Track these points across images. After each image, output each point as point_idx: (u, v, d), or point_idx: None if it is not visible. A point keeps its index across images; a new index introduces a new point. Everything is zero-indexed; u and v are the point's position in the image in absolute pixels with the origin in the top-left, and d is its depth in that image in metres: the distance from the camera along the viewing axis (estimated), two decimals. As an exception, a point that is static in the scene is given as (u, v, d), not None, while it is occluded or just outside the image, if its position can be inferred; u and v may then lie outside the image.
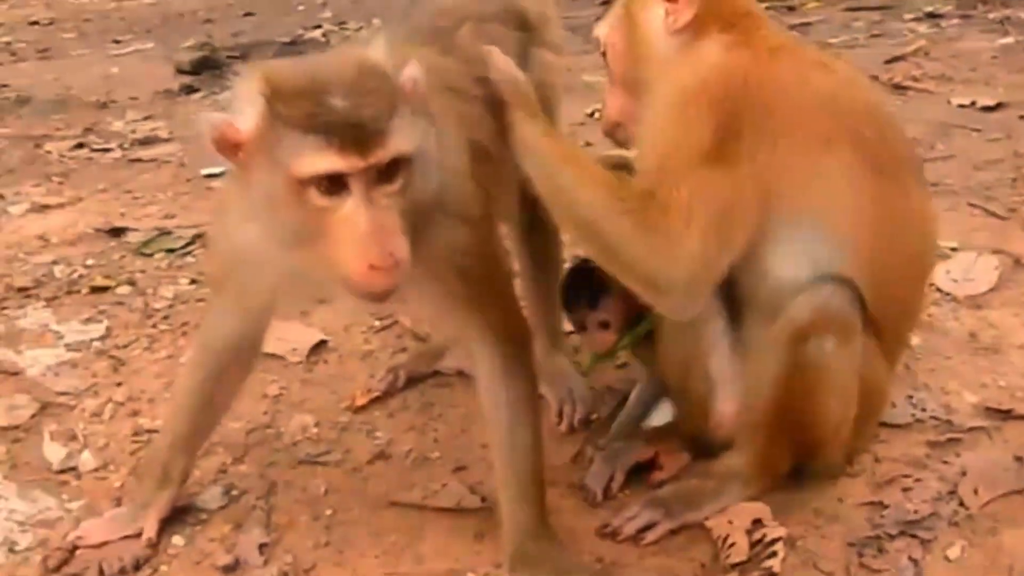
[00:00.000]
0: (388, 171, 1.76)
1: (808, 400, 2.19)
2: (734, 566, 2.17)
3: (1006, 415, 2.59)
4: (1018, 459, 2.38)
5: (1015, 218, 3.68)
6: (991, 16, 6.65)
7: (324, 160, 1.71)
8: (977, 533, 2.23)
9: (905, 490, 2.36)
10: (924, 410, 2.63)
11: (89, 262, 4.06)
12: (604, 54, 2.37)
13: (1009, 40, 6.09)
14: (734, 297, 2.27)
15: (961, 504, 2.29)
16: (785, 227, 2.14)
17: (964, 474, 2.37)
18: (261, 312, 2.24)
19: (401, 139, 1.75)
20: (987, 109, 4.93)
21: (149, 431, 2.86)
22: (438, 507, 2.46)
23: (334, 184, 1.74)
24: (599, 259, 2.18)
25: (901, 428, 2.58)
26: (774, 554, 2.18)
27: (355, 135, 1.71)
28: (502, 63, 2.17)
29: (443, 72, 2.09)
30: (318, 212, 1.75)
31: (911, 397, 2.66)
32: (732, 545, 2.21)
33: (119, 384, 3.12)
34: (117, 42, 8.91)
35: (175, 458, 2.42)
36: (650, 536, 2.28)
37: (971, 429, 2.55)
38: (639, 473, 2.49)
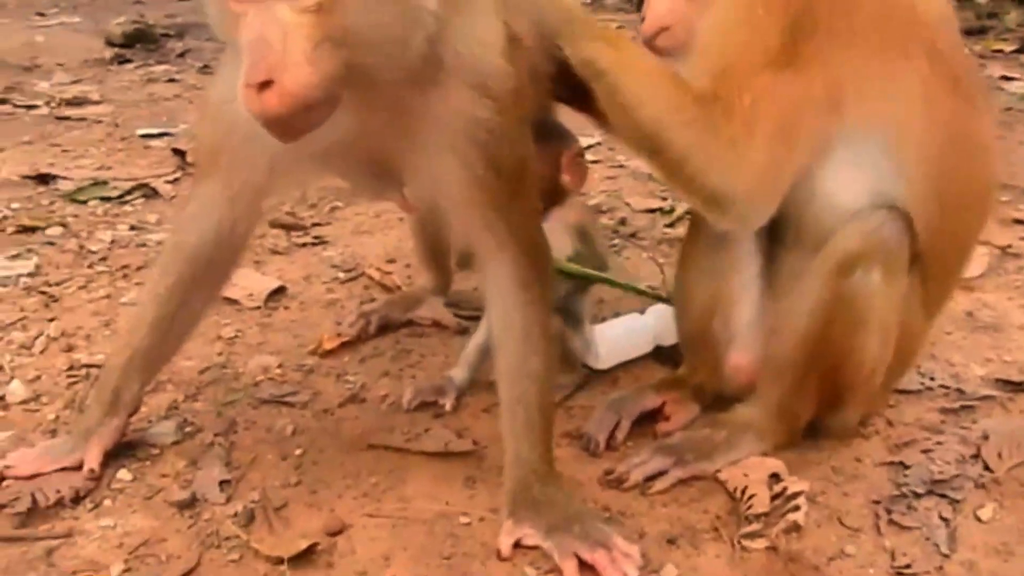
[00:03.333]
0: None
1: (847, 338, 2.02)
2: (755, 517, 1.98)
3: (1017, 387, 2.48)
4: (1040, 425, 2.26)
5: (992, 215, 3.63)
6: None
7: None
8: (1006, 496, 2.09)
9: (926, 451, 2.21)
10: (933, 379, 2.51)
11: (14, 205, 3.72)
12: None
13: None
14: (773, 230, 2.10)
15: (986, 468, 2.16)
16: (849, 142, 1.97)
17: (986, 438, 2.24)
18: (252, 197, 1.96)
19: None
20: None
21: (87, 366, 2.56)
22: (422, 451, 2.21)
23: None
24: (664, 177, 1.99)
25: (912, 394, 2.44)
26: (797, 508, 1.99)
27: None
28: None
29: None
30: (236, 21, 1.57)
31: (918, 367, 2.53)
32: (752, 496, 2.03)
33: (51, 320, 2.80)
34: (41, 15, 8.44)
35: (129, 380, 2.12)
36: (659, 484, 2.08)
37: (984, 398, 2.43)
38: (643, 423, 2.29)
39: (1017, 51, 6.49)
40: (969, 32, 6.86)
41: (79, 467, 2.09)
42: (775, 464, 2.13)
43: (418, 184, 1.89)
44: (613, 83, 1.93)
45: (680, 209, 3.55)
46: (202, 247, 2.02)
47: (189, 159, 4.23)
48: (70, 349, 2.65)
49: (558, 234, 2.34)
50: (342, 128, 1.73)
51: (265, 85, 1.52)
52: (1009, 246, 3.32)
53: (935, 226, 2.02)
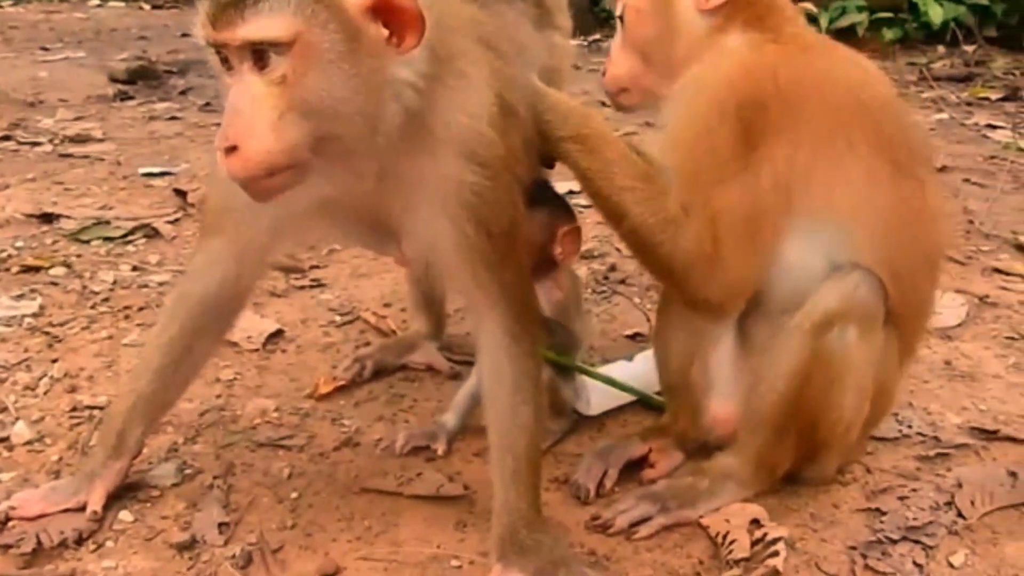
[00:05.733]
0: (260, 55, 1.65)
1: (825, 394, 2.11)
2: (736, 562, 2.05)
3: (991, 435, 2.56)
4: (1012, 474, 2.33)
5: (973, 264, 3.74)
6: (924, 96, 6.89)
7: (198, 26, 1.70)
8: (978, 543, 2.16)
9: (901, 498, 2.29)
10: (910, 427, 2.59)
11: (19, 244, 3.80)
12: (621, 17, 2.30)
13: (944, 116, 6.31)
14: None
15: (959, 515, 2.23)
16: (805, 223, 2.08)
17: (960, 486, 2.32)
18: (256, 254, 2.06)
19: (268, 23, 1.63)
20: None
21: (90, 407, 2.63)
22: (415, 494, 2.28)
23: (225, 61, 1.70)
24: (646, 269, 2.25)
25: (889, 441, 2.53)
26: (776, 553, 2.07)
27: (217, 6, 1.66)
28: (555, 96, 2.11)
29: (481, 26, 1.98)
30: (226, 90, 1.72)
31: (896, 414, 2.61)
32: (733, 542, 2.10)
33: (55, 360, 2.88)
34: (45, 49, 8.59)
35: (133, 424, 2.20)
36: (643, 531, 2.16)
37: (959, 446, 2.51)
38: (629, 470, 2.36)
39: (1003, 99, 6.62)
40: (957, 79, 7.01)
41: (82, 508, 2.15)
42: (756, 510, 2.20)
43: (412, 242, 1.98)
44: (593, 188, 2.10)
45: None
46: (207, 297, 2.11)
47: (190, 200, 4.34)
48: (73, 390, 2.72)
49: None
50: (334, 190, 1.83)
51: (231, 150, 1.65)
52: (987, 296, 3.42)
53: (898, 287, 2.12)
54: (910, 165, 2.16)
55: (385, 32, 1.72)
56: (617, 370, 2.69)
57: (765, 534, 2.12)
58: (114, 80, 7.07)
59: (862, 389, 2.14)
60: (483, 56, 1.93)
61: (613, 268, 3.65)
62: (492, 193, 1.88)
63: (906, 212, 2.14)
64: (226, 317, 2.20)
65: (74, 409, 2.62)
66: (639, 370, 2.68)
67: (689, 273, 2.07)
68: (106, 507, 2.17)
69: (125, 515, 2.19)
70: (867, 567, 2.07)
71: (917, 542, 2.14)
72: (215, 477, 2.33)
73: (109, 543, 2.11)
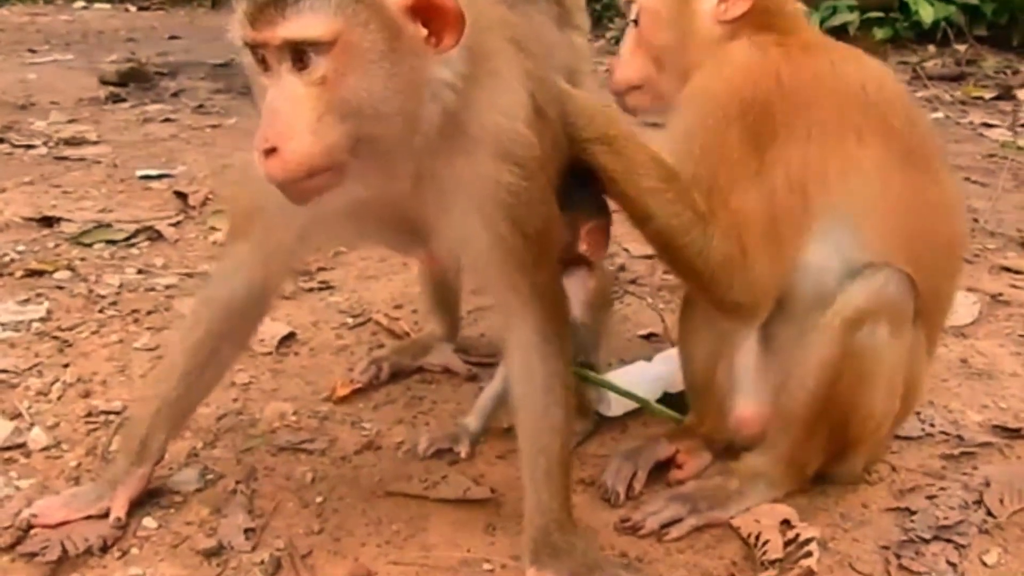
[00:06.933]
0: (299, 55, 1.62)
1: (855, 392, 2.10)
2: (771, 563, 2.04)
3: (1014, 433, 2.56)
4: (1039, 472, 2.34)
5: (981, 262, 3.75)
6: (918, 95, 6.92)
7: (236, 25, 1.66)
8: (1010, 541, 2.16)
9: (930, 498, 2.28)
10: (933, 425, 2.59)
11: (20, 248, 3.75)
12: (636, 20, 2.29)
13: (939, 115, 6.34)
14: None
15: (989, 514, 2.23)
16: (825, 221, 2.08)
17: (988, 484, 2.31)
18: (284, 257, 2.03)
19: (309, 22, 1.60)
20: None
21: (105, 412, 2.59)
22: (441, 498, 2.26)
23: (262, 62, 1.66)
24: (675, 273, 2.22)
25: (914, 440, 2.52)
26: (809, 554, 2.05)
27: (256, 6, 1.62)
28: (582, 98, 2.09)
29: (512, 26, 1.96)
30: (262, 91, 1.69)
31: (918, 413, 2.61)
32: (767, 543, 2.09)
33: (66, 365, 2.83)
34: (33, 51, 8.52)
35: (156, 430, 2.16)
36: (674, 532, 2.14)
37: (982, 444, 2.51)
38: (657, 471, 2.35)
39: (996, 98, 6.66)
40: (949, 79, 7.04)
41: (105, 515, 2.12)
42: (786, 511, 2.19)
43: (444, 243, 1.96)
44: (619, 190, 2.08)
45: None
46: (232, 302, 2.08)
47: (191, 202, 4.30)
48: (87, 395, 2.68)
49: None
50: (369, 191, 1.80)
51: (270, 152, 1.61)
52: (1000, 294, 3.42)
53: (919, 281, 2.11)
54: (922, 158, 2.17)
55: (424, 32, 1.69)
56: (637, 372, 2.68)
57: (797, 535, 2.11)
58: (105, 82, 7.00)
59: (893, 386, 2.13)
60: (515, 56, 1.91)
61: (623, 268, 3.64)
62: (528, 194, 1.86)
63: (922, 205, 2.14)
64: (251, 321, 2.17)
65: (89, 414, 2.58)
66: (659, 371, 2.67)
67: (717, 275, 2.05)
68: (129, 514, 2.14)
69: (149, 521, 2.15)
70: (901, 567, 2.06)
71: (949, 541, 2.13)
72: (238, 482, 2.30)
73: (134, 550, 2.07)
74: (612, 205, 2.28)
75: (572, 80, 2.34)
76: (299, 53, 1.61)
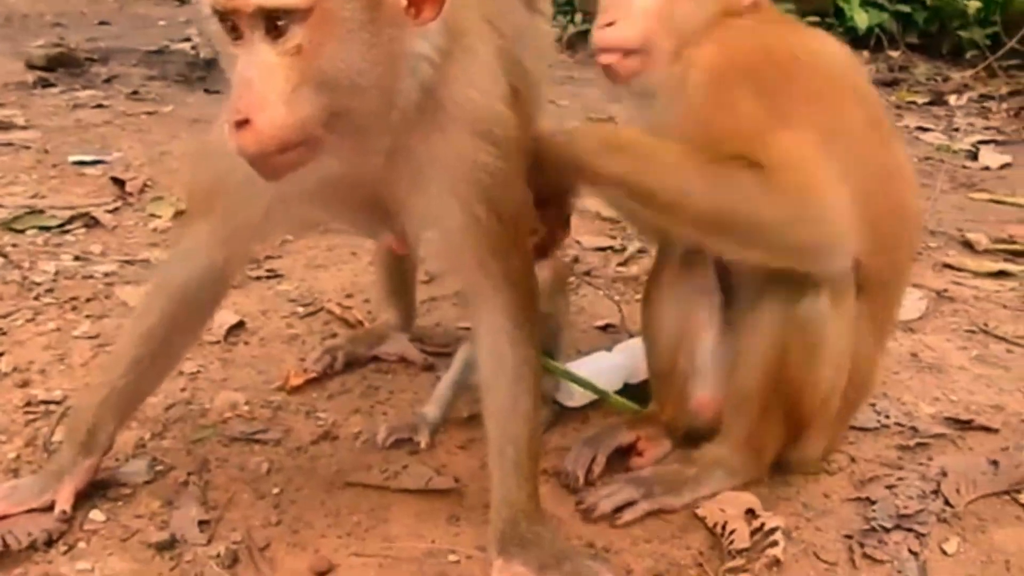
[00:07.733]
0: (274, 23, 1.55)
1: (803, 367, 2.10)
2: (738, 552, 2.03)
3: (966, 425, 2.59)
4: (993, 463, 2.36)
5: (925, 259, 3.81)
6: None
7: None
8: (968, 530, 2.18)
9: (889, 487, 2.29)
10: (888, 417, 2.61)
11: (-53, 233, 3.58)
12: None
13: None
14: (729, 267, 2.23)
15: (947, 503, 2.25)
16: None
17: (944, 474, 2.33)
18: (245, 241, 1.96)
19: None
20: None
21: (45, 402, 2.48)
22: (402, 488, 2.21)
23: (233, 30, 1.59)
24: (738, 251, 2.03)
25: (870, 432, 2.54)
26: (775, 543, 2.05)
27: None
28: (568, 125, 2.07)
29: (486, 5, 1.92)
30: (232, 61, 1.61)
31: (873, 405, 2.63)
32: (733, 532, 2.08)
33: (1, 354, 2.71)
34: (-47, 34, 8.18)
35: (104, 419, 2.07)
36: (627, 515, 2.13)
37: (936, 436, 2.54)
38: (618, 459, 2.32)
39: (930, 103, 6.81)
40: (883, 84, 7.18)
41: (49, 508, 2.03)
42: (749, 499, 2.18)
43: (415, 223, 1.90)
44: (642, 188, 1.98)
45: (632, 248, 3.63)
46: (189, 285, 1.99)
47: (128, 189, 4.16)
48: (25, 384, 2.56)
49: None
50: (342, 168, 1.74)
51: (242, 123, 1.55)
52: (945, 290, 3.48)
53: (875, 253, 2.10)
54: (888, 129, 2.22)
55: (403, 2, 1.64)
56: (597, 362, 2.65)
57: (762, 524, 2.10)
58: (32, 67, 6.74)
59: (839, 359, 2.14)
60: (490, 35, 1.87)
61: (577, 260, 3.61)
62: (504, 174, 1.81)
63: (885, 171, 2.17)
64: (207, 307, 2.08)
65: (28, 404, 2.47)
66: (619, 362, 2.65)
67: (784, 219, 1.92)
68: (75, 506, 2.05)
69: (96, 514, 2.06)
70: (865, 555, 2.07)
71: (910, 530, 2.15)
72: (189, 473, 2.22)
73: (82, 544, 1.98)
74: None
75: (538, 67, 2.31)
76: (273, 21, 1.55)
